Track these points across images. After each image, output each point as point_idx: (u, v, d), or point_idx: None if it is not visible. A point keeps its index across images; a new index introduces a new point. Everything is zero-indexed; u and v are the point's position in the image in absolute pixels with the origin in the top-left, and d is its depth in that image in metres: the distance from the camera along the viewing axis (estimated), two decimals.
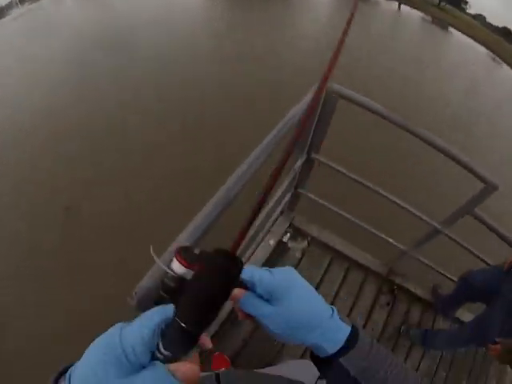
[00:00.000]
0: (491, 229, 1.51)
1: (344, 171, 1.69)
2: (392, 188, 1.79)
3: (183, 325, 0.34)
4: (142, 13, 12.39)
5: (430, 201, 4.55)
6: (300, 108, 1.20)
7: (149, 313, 0.35)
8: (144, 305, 0.67)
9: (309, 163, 1.72)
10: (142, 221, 4.41)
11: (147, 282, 0.68)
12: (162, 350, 0.33)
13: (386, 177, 4.49)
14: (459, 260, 2.17)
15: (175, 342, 0.34)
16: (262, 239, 2.19)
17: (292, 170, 1.63)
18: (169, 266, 0.41)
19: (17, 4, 15.21)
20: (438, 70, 12.33)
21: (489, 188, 1.38)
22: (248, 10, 14.35)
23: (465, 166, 1.34)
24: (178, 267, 0.40)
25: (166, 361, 0.33)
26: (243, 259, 1.85)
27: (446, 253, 2.38)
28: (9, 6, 14.82)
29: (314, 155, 1.68)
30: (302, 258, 2.28)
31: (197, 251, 0.41)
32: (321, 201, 2.02)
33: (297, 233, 2.35)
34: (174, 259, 0.41)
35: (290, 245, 2.31)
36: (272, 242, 2.23)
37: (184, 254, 0.41)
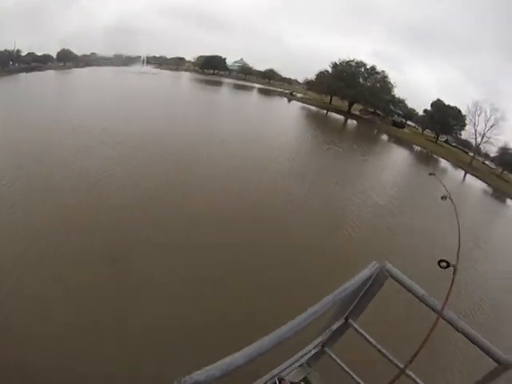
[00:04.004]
0: None
1: (374, 342, 1.71)
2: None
3: None
4: None
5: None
6: (356, 281, 1.40)
7: None
8: None
9: (344, 327, 1.79)
10: None
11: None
12: None
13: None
14: None
15: None
16: None
17: (328, 329, 1.71)
18: None
19: None
20: None
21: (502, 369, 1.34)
22: None
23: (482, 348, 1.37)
24: None
25: None
26: None
27: None
28: None
29: (351, 321, 1.76)
30: None
31: None
32: (342, 364, 1.97)
33: None
34: None
35: None
36: None
37: None
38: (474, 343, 1.43)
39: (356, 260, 6.89)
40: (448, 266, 1.51)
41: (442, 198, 2.47)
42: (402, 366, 1.64)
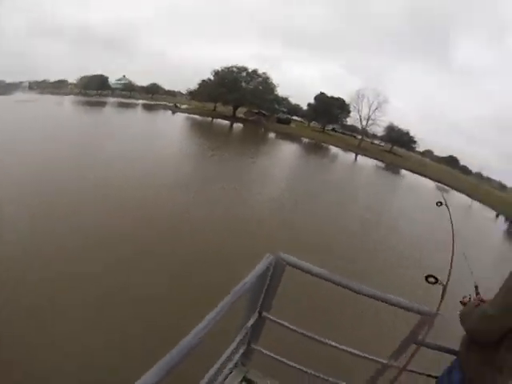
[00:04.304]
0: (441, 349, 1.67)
1: (293, 327, 1.89)
2: (337, 337, 1.93)
3: None
4: None
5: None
6: (253, 275, 1.55)
7: None
8: None
9: (260, 321, 1.95)
10: None
11: None
12: None
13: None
14: None
15: None
16: None
17: (244, 327, 1.84)
18: None
19: None
20: None
21: (427, 317, 1.60)
22: None
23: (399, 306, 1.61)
24: None
25: None
26: None
27: None
28: None
29: (264, 314, 1.93)
30: None
31: None
32: (273, 355, 2.12)
33: None
34: None
35: None
36: None
37: None
38: (394, 305, 1.64)
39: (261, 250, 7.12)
40: (436, 281, 1.58)
41: (437, 204, 2.50)
42: (327, 341, 1.83)
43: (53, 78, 64.88)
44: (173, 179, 15.26)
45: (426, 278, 1.59)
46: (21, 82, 59.42)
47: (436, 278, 1.60)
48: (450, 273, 1.76)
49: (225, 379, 2.25)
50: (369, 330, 6.02)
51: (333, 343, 1.85)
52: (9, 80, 57.27)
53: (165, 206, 11.53)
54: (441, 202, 2.47)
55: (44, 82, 63.43)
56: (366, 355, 1.84)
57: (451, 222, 2.31)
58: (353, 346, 1.87)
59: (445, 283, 1.62)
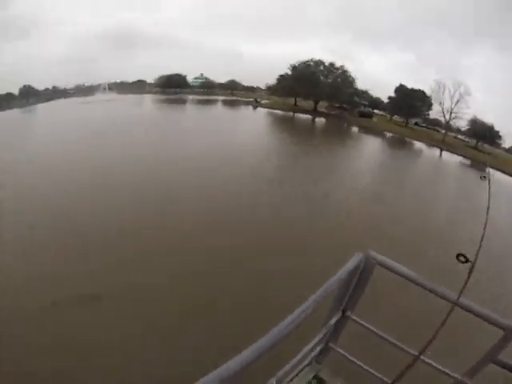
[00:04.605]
0: None
1: (375, 330, 1.78)
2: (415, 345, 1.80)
3: None
4: None
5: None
6: (343, 273, 1.48)
7: None
8: None
9: (343, 320, 1.86)
10: None
11: None
12: None
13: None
14: None
15: None
16: None
17: (326, 326, 1.78)
18: None
19: None
20: None
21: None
22: None
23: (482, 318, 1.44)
24: None
25: None
26: None
27: None
28: None
29: (348, 313, 1.84)
30: None
31: None
32: (348, 355, 2.03)
33: None
34: None
35: None
36: None
37: None
38: (477, 315, 1.50)
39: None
40: (467, 261, 1.52)
41: (480, 177, 2.46)
42: (412, 352, 1.71)
43: (130, 79, 69.34)
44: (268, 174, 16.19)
45: (457, 256, 1.52)
46: (99, 84, 63.97)
47: (466, 257, 1.52)
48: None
49: (297, 375, 2.24)
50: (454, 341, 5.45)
51: (411, 351, 1.72)
52: (87, 84, 62.61)
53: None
54: (484, 176, 2.24)
55: (122, 83, 67.96)
56: (443, 369, 1.70)
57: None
58: (430, 357, 1.72)
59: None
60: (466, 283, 1.52)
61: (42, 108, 45.83)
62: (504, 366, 1.51)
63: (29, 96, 50.80)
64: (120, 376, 4.64)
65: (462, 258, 1.52)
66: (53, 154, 17.55)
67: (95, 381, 4.70)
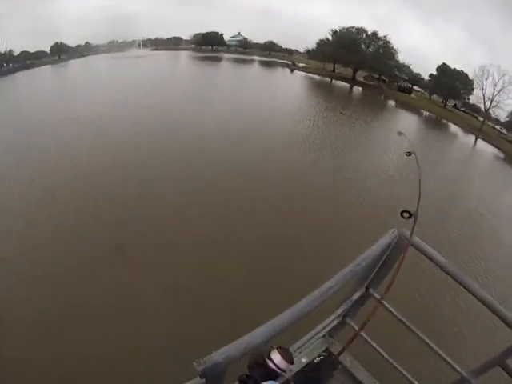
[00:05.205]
0: None
1: (394, 312, 1.69)
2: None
3: None
4: None
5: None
6: (375, 249, 1.34)
7: None
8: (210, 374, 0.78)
9: (365, 296, 1.76)
10: None
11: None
12: None
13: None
14: None
15: None
16: (296, 356, 2.11)
17: (347, 300, 1.69)
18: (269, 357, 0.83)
19: None
20: None
21: None
22: None
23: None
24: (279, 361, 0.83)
25: None
26: None
27: None
28: None
29: (371, 290, 1.73)
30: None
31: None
32: (363, 334, 1.98)
33: (330, 357, 2.27)
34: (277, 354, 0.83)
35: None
36: (304, 360, 2.16)
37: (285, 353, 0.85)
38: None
39: None
40: (410, 216, 1.61)
41: (406, 154, 2.42)
42: (423, 336, 1.64)
43: (166, 36, 66.14)
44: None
45: (401, 213, 1.60)
46: (134, 41, 61.04)
47: (409, 212, 1.60)
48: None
49: (310, 346, 2.23)
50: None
51: (427, 339, 1.73)
52: (121, 40, 59.55)
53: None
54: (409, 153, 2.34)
55: (157, 39, 65.22)
56: (453, 364, 1.69)
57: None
58: (441, 348, 1.74)
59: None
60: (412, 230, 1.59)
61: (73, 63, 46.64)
62: (510, 371, 1.48)
63: (60, 53, 50.66)
64: None
65: (405, 214, 1.61)
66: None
67: None
